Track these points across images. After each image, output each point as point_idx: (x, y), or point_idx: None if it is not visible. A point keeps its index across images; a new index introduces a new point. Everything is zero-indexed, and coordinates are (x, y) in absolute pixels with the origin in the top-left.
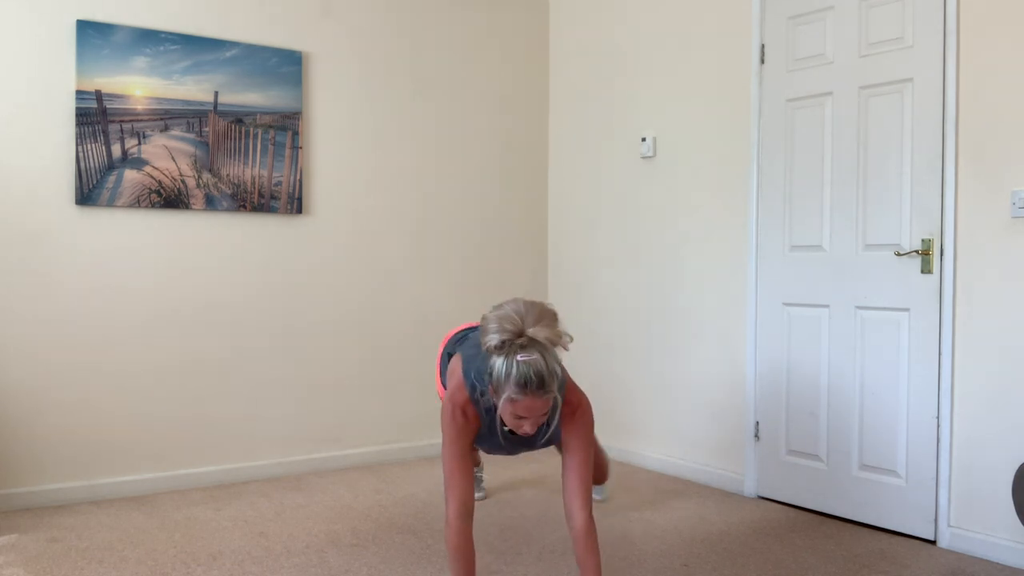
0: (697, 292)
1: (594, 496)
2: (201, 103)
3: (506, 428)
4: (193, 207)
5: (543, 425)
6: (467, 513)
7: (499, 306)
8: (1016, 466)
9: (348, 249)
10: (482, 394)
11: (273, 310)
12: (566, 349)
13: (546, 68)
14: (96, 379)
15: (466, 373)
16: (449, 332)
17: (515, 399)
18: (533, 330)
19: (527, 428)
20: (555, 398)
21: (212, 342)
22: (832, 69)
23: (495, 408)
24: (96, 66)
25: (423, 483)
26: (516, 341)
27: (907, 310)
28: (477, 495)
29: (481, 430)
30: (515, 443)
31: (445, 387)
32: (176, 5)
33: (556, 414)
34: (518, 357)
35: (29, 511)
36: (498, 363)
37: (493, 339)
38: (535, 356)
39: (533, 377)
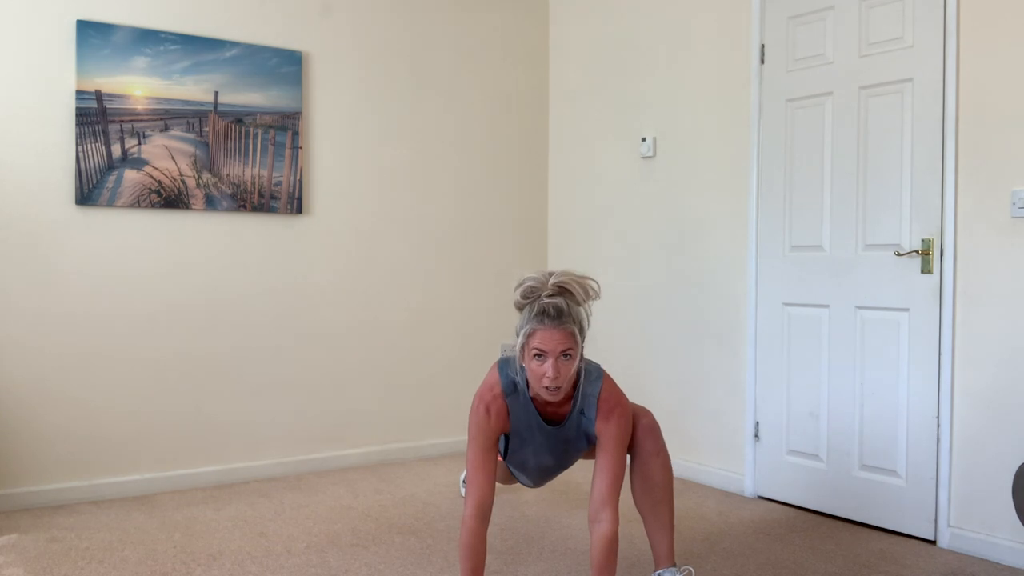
0: (697, 292)
1: None
2: (201, 103)
3: (542, 420)
4: (193, 207)
5: (573, 410)
6: (484, 513)
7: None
8: (1016, 466)
9: (348, 249)
10: (515, 387)
11: (273, 310)
12: (594, 293)
13: (546, 68)
14: (96, 379)
15: (501, 370)
16: None
17: (532, 331)
18: (556, 277)
19: (548, 372)
20: (575, 336)
21: (212, 342)
22: (832, 69)
23: (528, 391)
24: (96, 66)
25: (423, 483)
26: (541, 290)
27: (907, 310)
28: None
29: (521, 428)
30: (553, 442)
31: None
32: (176, 5)
33: (579, 361)
34: (542, 300)
35: (29, 511)
36: (523, 313)
37: (520, 290)
38: (559, 299)
39: (551, 309)
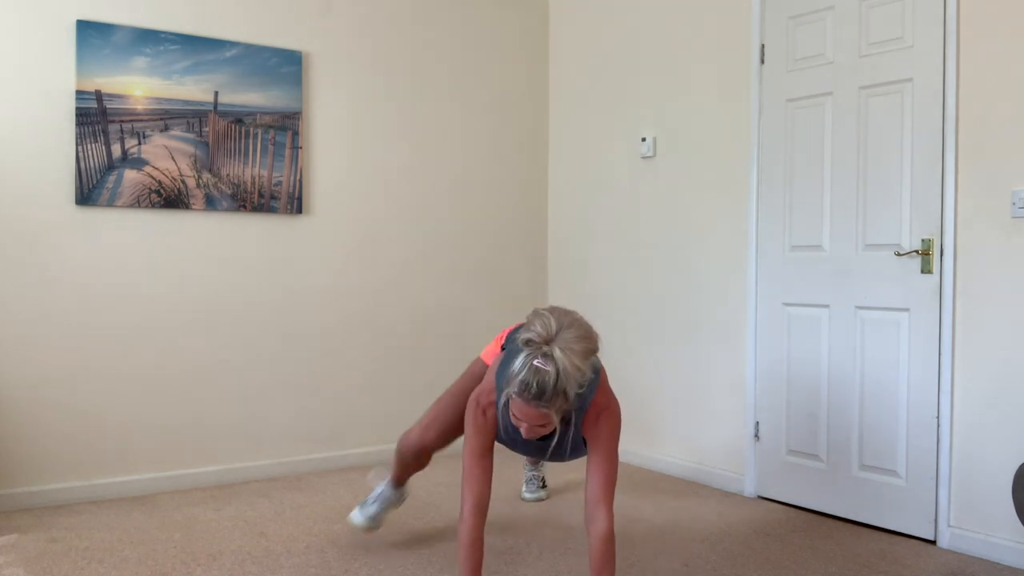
0: (697, 292)
1: (539, 495)
2: (201, 103)
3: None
4: (193, 207)
5: (551, 436)
6: (481, 510)
7: (554, 308)
8: (1016, 466)
9: (348, 249)
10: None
11: (273, 310)
12: (579, 386)
13: (546, 68)
14: (96, 379)
15: (498, 375)
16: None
17: (512, 397)
18: (559, 348)
19: (523, 431)
20: (552, 418)
21: (212, 342)
22: (832, 69)
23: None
24: (96, 66)
25: (423, 483)
26: (541, 348)
27: (907, 310)
28: (539, 494)
29: (506, 436)
30: (539, 448)
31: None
32: (176, 5)
33: (558, 434)
34: (535, 361)
35: (29, 511)
36: (519, 359)
37: (524, 335)
38: (550, 368)
39: (534, 387)
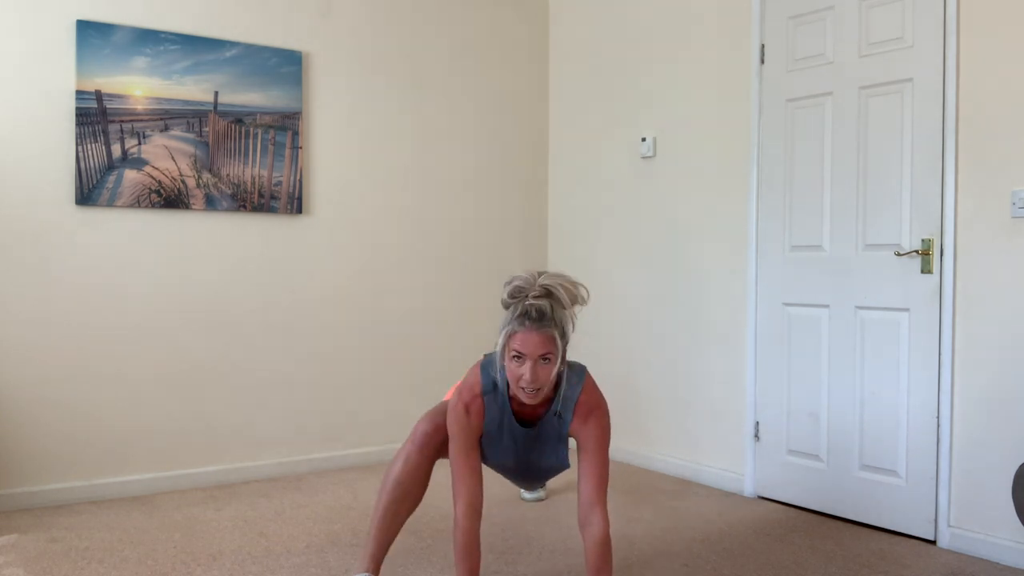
0: (697, 292)
1: (538, 495)
2: (201, 103)
3: (519, 427)
4: (193, 207)
5: (548, 412)
6: (475, 512)
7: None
8: (1016, 466)
9: (348, 249)
10: (495, 386)
11: (273, 310)
12: (582, 300)
13: (546, 68)
14: (96, 379)
15: (484, 367)
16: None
17: (513, 332)
18: (547, 279)
19: (526, 375)
20: (556, 341)
21: (212, 342)
22: (832, 69)
23: (508, 394)
24: (96, 66)
25: None
26: (530, 291)
27: (907, 310)
28: (539, 494)
29: (491, 429)
30: (523, 443)
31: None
32: (176, 5)
33: (560, 365)
34: (527, 301)
35: (29, 511)
36: (508, 312)
37: (510, 287)
38: (544, 300)
39: (534, 312)
